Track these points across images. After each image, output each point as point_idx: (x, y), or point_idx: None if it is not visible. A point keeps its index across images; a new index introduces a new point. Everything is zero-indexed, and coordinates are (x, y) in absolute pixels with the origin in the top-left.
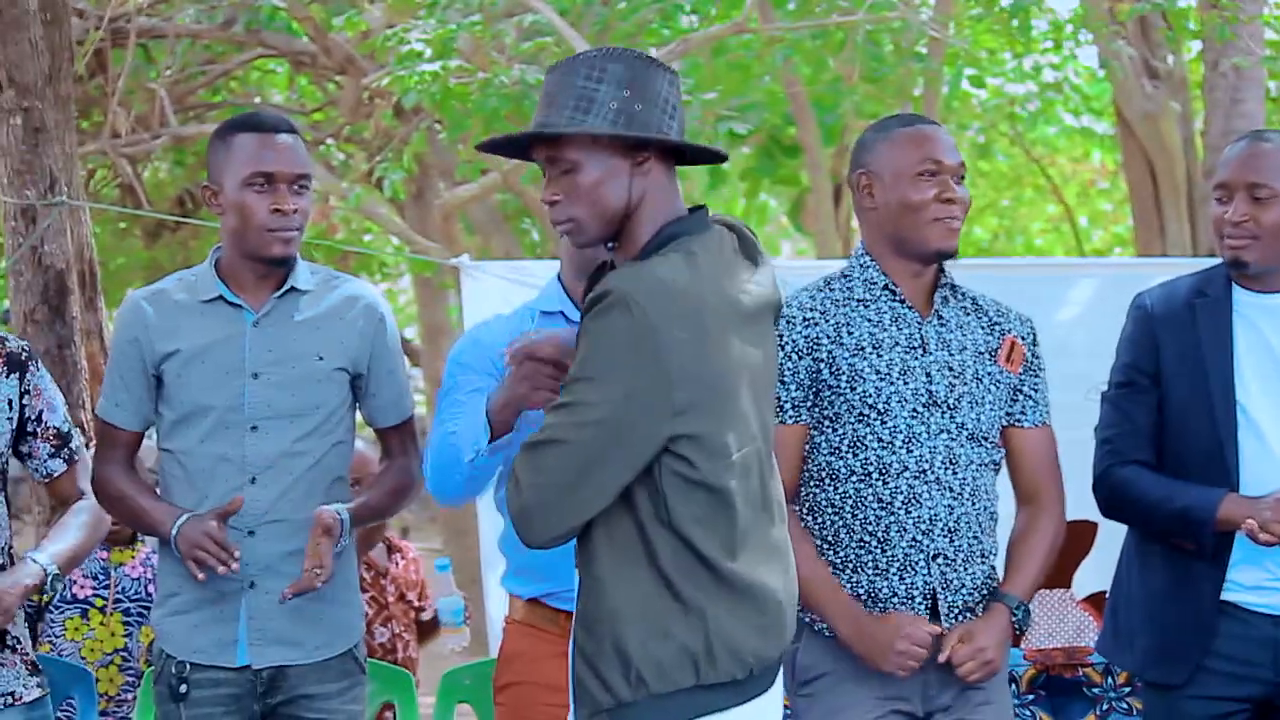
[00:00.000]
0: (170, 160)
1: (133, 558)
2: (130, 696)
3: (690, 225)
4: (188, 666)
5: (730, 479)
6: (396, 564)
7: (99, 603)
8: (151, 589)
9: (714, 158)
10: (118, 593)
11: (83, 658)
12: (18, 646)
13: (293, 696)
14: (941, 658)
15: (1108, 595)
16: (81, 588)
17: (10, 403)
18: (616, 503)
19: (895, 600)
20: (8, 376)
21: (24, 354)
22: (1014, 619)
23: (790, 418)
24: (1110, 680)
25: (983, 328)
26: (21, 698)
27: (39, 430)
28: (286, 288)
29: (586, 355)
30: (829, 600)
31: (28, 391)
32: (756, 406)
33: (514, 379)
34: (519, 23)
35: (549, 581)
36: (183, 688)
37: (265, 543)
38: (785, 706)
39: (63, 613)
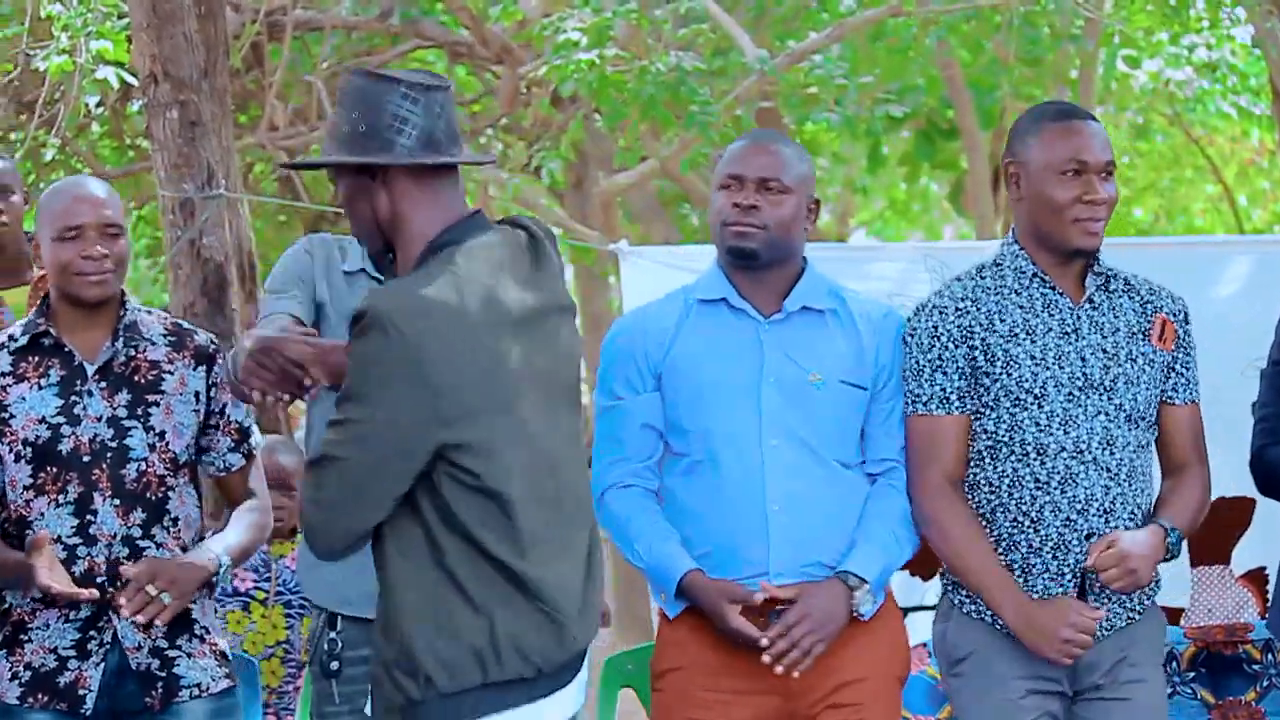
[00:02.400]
0: None
1: (293, 549)
2: (292, 688)
3: (460, 233)
4: (339, 644)
5: (510, 482)
6: None
7: (260, 595)
8: None
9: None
10: (279, 585)
11: (244, 651)
12: (206, 636)
13: None
14: (1088, 563)
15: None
16: (243, 581)
17: (198, 395)
18: (404, 509)
19: (1046, 577)
20: (195, 369)
21: (212, 346)
22: (1168, 539)
23: (956, 408)
24: (1270, 657)
25: (1135, 309)
26: (209, 689)
27: (221, 424)
28: None
29: (353, 374)
30: (995, 587)
31: (215, 385)
32: (545, 407)
33: (247, 364)
34: (675, 9)
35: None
36: (334, 664)
37: None
38: (934, 682)
39: (224, 606)
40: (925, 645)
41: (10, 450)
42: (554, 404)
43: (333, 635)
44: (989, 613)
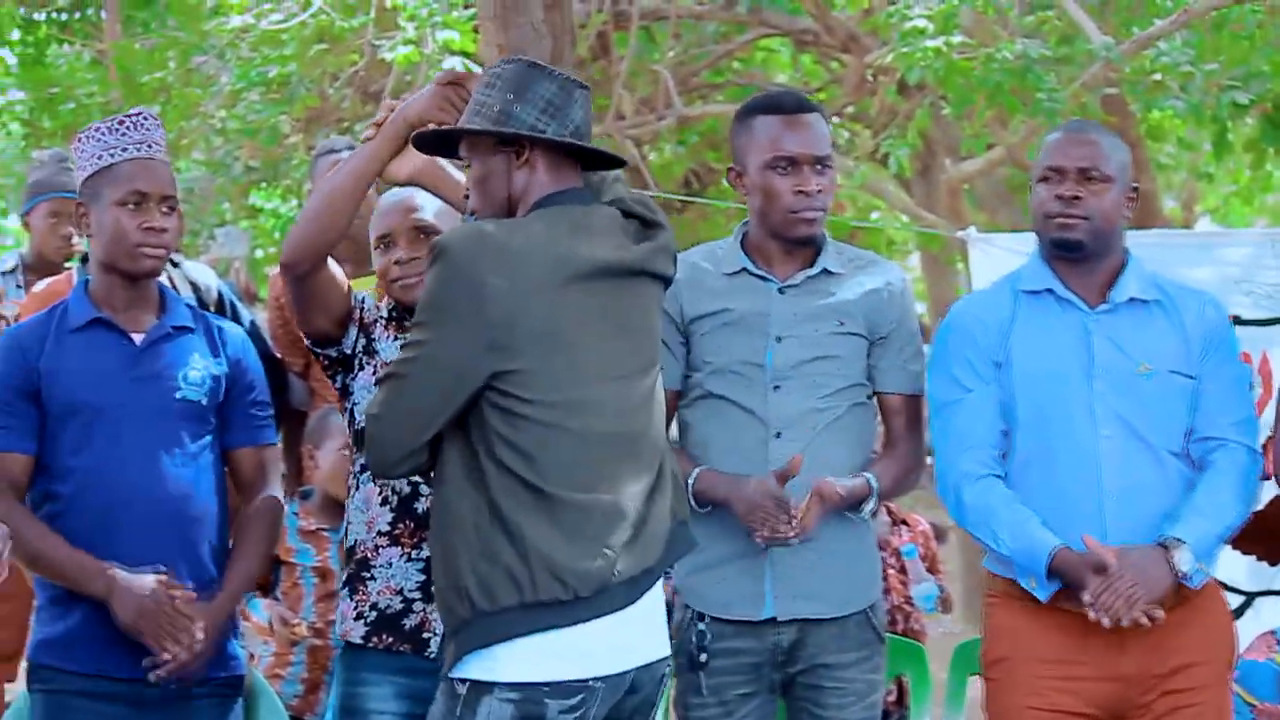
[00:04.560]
0: (675, 141)
1: None
2: None
3: (555, 199)
4: (708, 636)
5: (555, 415)
6: (901, 535)
7: None
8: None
9: (608, 161)
10: None
11: None
12: None
13: (812, 665)
14: None
15: None
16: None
17: None
18: (456, 436)
19: None
20: None
21: None
22: None
23: None
24: None
25: None
26: None
27: None
28: (819, 269)
29: (420, 302)
30: None
31: None
32: (610, 353)
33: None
34: None
35: None
36: (703, 656)
37: (791, 497)
38: None
39: None
40: (1274, 633)
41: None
42: (622, 352)
43: (701, 627)
44: None
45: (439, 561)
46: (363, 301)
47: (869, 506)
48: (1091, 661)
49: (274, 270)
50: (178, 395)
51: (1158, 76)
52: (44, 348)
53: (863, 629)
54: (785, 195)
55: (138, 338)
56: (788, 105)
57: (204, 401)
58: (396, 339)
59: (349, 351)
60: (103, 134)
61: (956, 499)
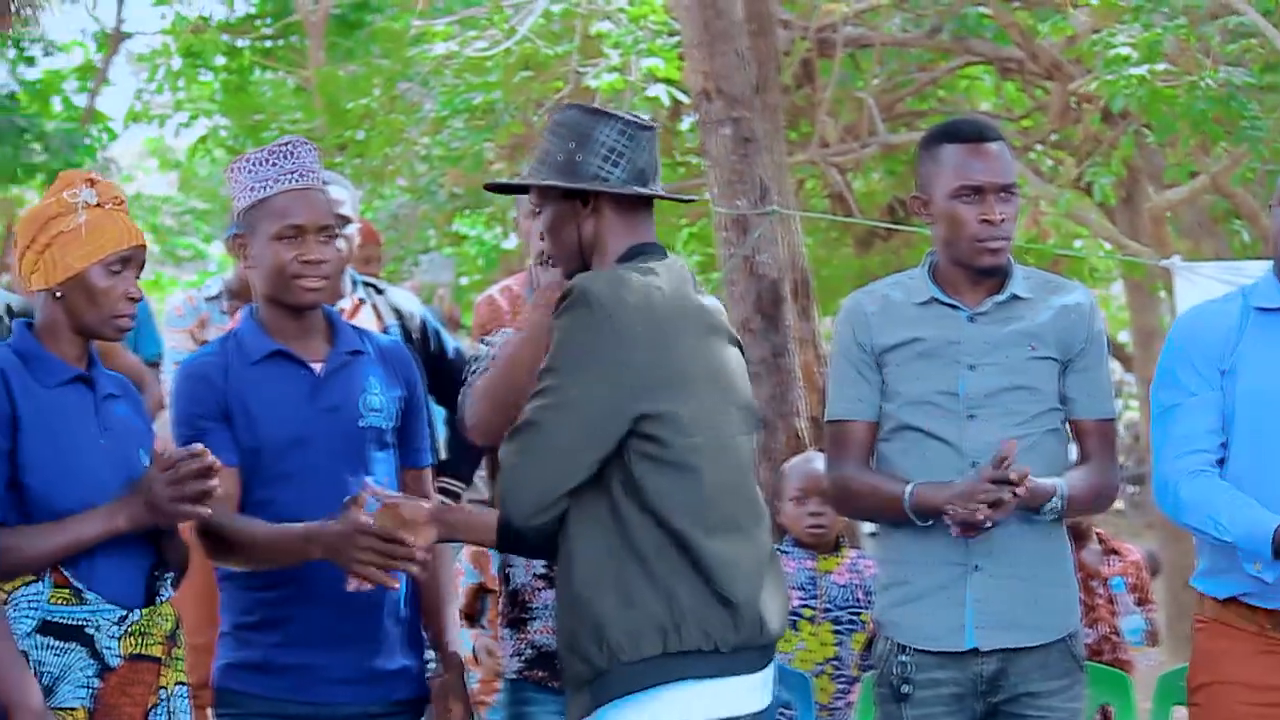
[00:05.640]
0: (880, 168)
1: (838, 564)
2: (842, 704)
3: (649, 249)
4: (910, 667)
5: (699, 459)
6: (1112, 564)
7: (808, 613)
8: (859, 595)
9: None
10: (826, 602)
11: (794, 669)
12: None
13: (1015, 695)
14: None
15: None
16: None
17: None
18: (592, 484)
19: None
20: None
21: None
22: None
23: None
24: None
25: None
26: None
27: None
28: (1008, 295)
29: (556, 347)
30: None
31: None
32: (726, 408)
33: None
34: (1223, 24)
35: (1248, 581)
36: (905, 688)
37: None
38: None
39: None
40: None
41: None
42: (732, 410)
43: (904, 659)
44: None
45: (568, 610)
46: None
47: (1051, 505)
48: None
49: (479, 298)
50: (361, 423)
51: None
52: (227, 379)
53: (1064, 657)
54: (971, 224)
55: (317, 367)
56: (972, 134)
57: (385, 425)
58: None
59: None
60: (255, 165)
61: (1175, 497)
